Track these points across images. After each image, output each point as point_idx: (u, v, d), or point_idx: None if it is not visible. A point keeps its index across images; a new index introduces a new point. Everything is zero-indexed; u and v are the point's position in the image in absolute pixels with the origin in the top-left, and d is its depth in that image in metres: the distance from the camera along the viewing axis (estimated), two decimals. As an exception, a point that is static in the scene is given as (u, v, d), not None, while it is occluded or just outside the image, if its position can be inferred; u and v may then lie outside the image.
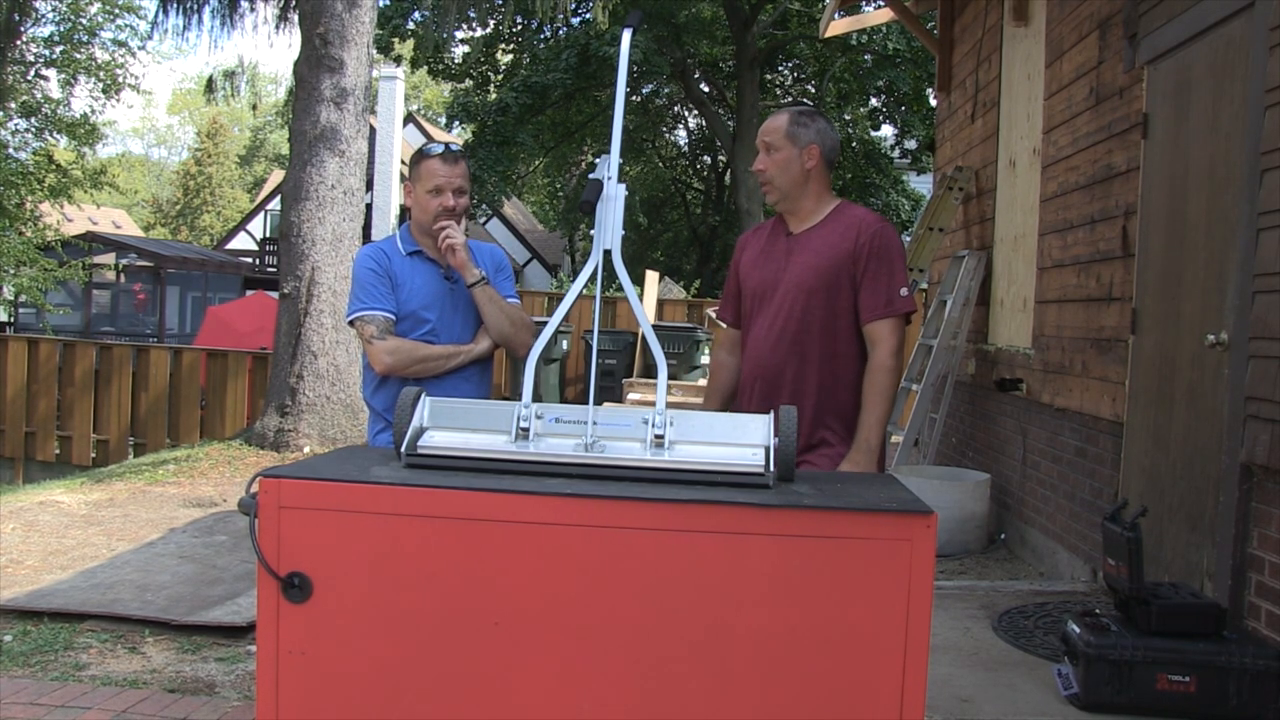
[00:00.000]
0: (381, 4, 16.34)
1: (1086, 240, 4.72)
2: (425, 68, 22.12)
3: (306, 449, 8.14)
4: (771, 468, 1.70)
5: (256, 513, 1.62)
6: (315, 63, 8.37)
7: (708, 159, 27.84)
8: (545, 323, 2.13)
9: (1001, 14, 6.25)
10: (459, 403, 1.88)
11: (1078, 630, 3.10)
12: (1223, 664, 2.91)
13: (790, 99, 23.46)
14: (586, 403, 1.82)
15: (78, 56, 15.89)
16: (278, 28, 11.94)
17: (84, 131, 15.94)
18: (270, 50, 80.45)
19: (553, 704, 1.59)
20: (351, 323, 2.85)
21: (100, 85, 16.16)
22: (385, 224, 25.76)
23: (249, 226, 32.61)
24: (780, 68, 23.50)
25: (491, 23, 20.86)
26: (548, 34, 20.67)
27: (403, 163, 27.73)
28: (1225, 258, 3.42)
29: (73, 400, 10.59)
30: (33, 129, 15.93)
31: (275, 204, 28.82)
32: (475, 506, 1.60)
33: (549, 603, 1.59)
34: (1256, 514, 3.13)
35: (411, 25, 19.37)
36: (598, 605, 1.59)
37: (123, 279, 20.39)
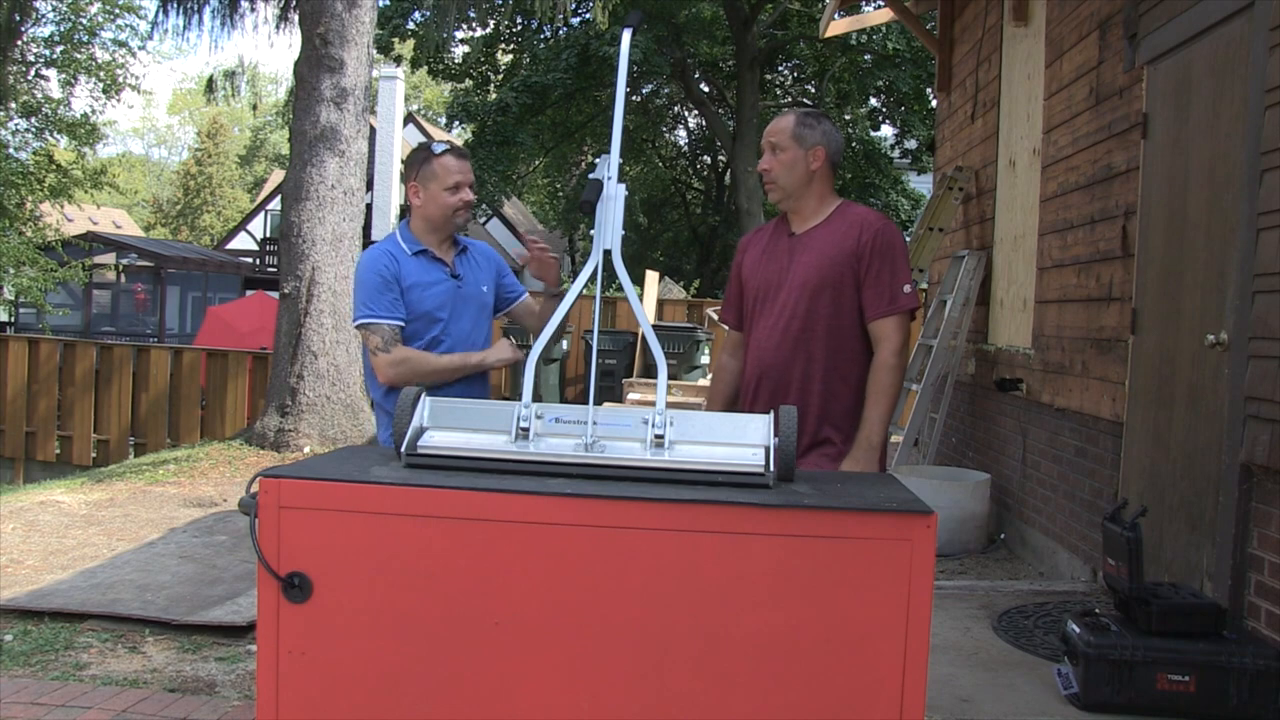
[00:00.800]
0: (381, 4, 16.34)
1: (1086, 240, 4.72)
2: (425, 68, 22.12)
3: (306, 449, 8.14)
4: (772, 468, 1.70)
5: (256, 513, 1.62)
6: (315, 63, 8.37)
7: (708, 159, 27.85)
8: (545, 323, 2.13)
9: (1001, 14, 6.25)
10: (459, 403, 1.88)
11: (1078, 630, 3.10)
12: (1223, 664, 2.91)
13: (790, 99, 23.48)
14: (586, 403, 1.82)
15: (78, 56, 15.89)
16: (278, 28, 11.94)
17: (84, 131, 15.94)
18: (270, 50, 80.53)
19: (553, 704, 1.59)
20: (360, 327, 2.83)
21: (100, 85, 16.16)
22: (385, 224, 25.78)
23: (249, 226, 32.61)
24: (780, 68, 23.51)
25: (491, 23, 20.87)
26: (548, 34, 20.67)
27: (404, 164, 27.80)
28: (1225, 258, 3.42)
29: (73, 400, 10.59)
30: (33, 129, 15.93)
31: (275, 204, 28.82)
32: (475, 506, 1.60)
33: (549, 603, 1.59)
34: (1256, 514, 3.14)
35: (411, 25, 19.37)
36: (598, 605, 1.59)
37: (123, 279, 20.39)
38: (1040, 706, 3.11)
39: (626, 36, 2.12)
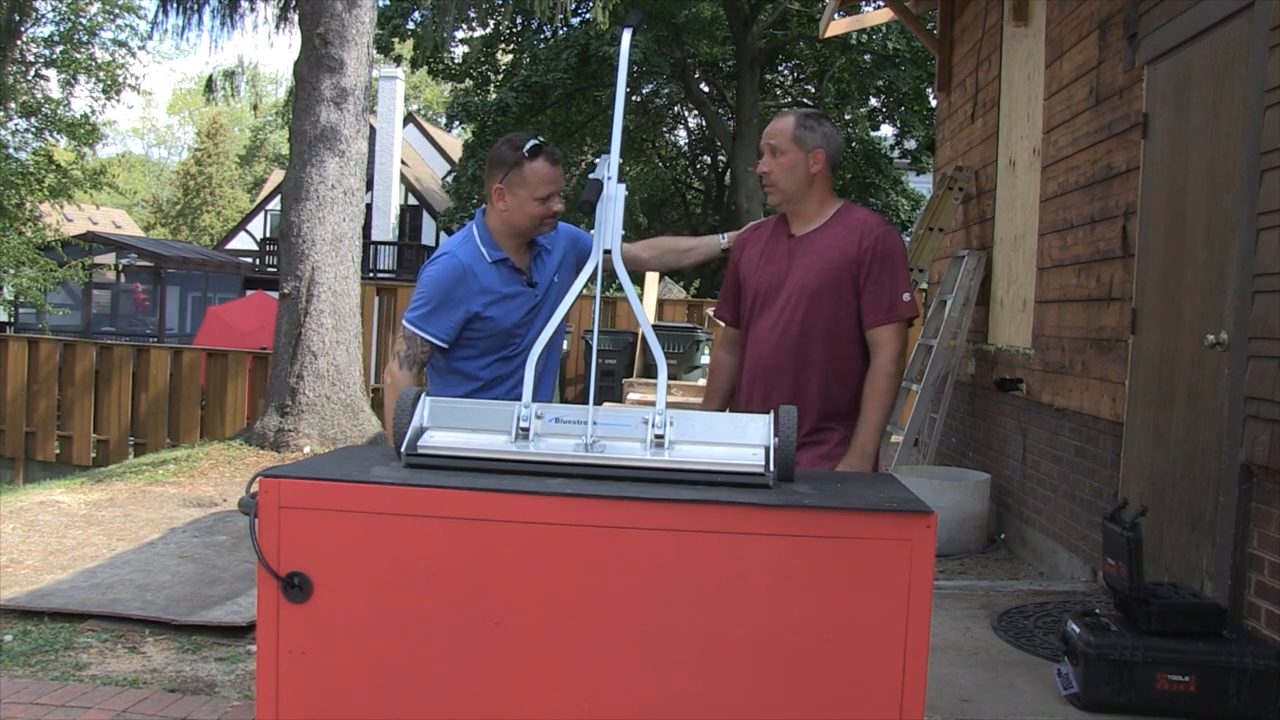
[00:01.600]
0: (381, 4, 16.34)
1: (1086, 240, 4.72)
2: (425, 68, 22.14)
3: (306, 449, 8.14)
4: (771, 468, 1.70)
5: (256, 513, 1.62)
6: (315, 63, 8.37)
7: (708, 159, 27.85)
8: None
9: (1001, 14, 6.25)
10: (459, 403, 1.88)
11: (1078, 630, 3.10)
12: (1223, 664, 2.91)
13: (790, 99, 23.48)
14: (586, 403, 1.82)
15: (78, 56, 15.88)
16: (278, 28, 11.94)
17: (84, 131, 15.93)
18: (270, 50, 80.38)
19: (553, 704, 1.59)
20: (404, 326, 2.69)
21: (100, 85, 16.15)
22: (385, 224, 25.84)
23: (249, 226, 32.62)
24: (780, 68, 23.51)
25: (491, 23, 20.88)
26: (548, 34, 20.68)
27: (404, 163, 27.77)
28: (1225, 258, 3.42)
29: (73, 400, 10.59)
30: (33, 129, 15.93)
31: (275, 204, 28.82)
32: (475, 506, 1.60)
33: (549, 603, 1.59)
34: (1256, 514, 3.14)
35: (411, 25, 19.38)
36: (597, 605, 1.59)
37: (123, 279, 20.39)
38: (1040, 706, 3.11)
39: (626, 36, 2.12)
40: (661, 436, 1.74)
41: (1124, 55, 4.34)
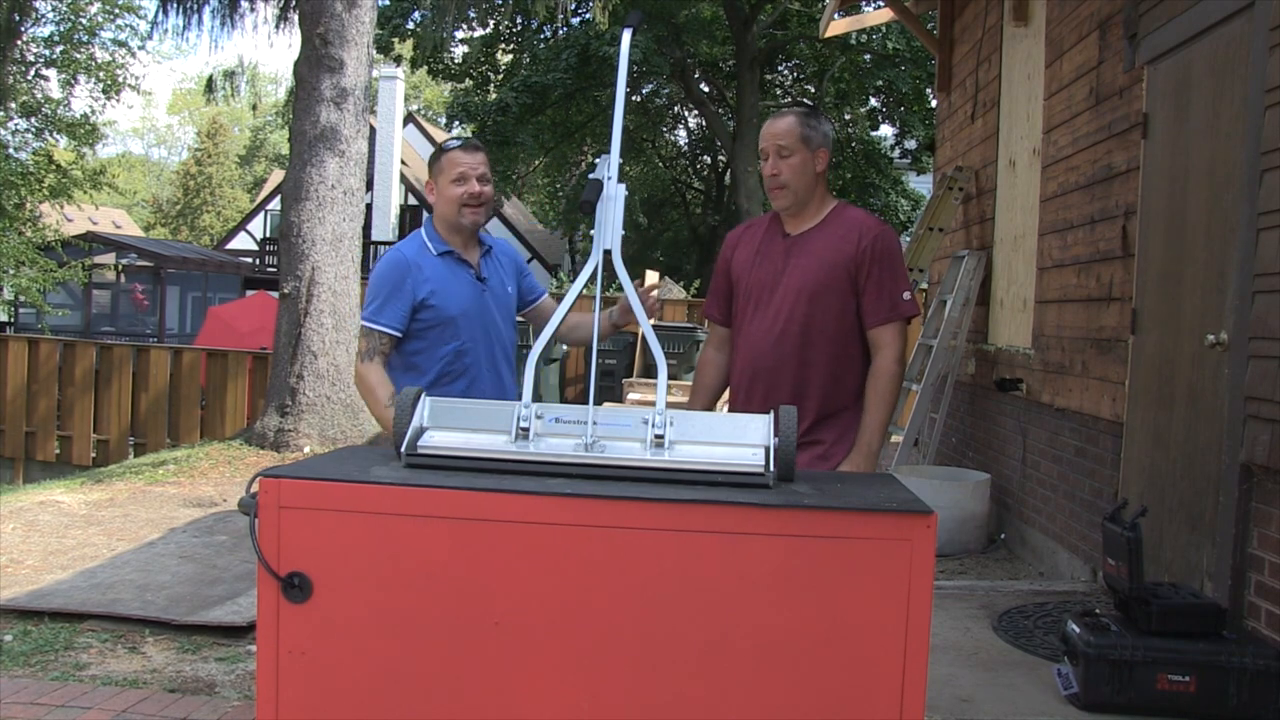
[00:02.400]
0: (381, 4, 16.33)
1: (1086, 240, 4.72)
2: (425, 68, 22.12)
3: (306, 449, 8.14)
4: (772, 468, 1.70)
5: (256, 513, 1.62)
6: (315, 63, 8.37)
7: (708, 159, 27.85)
8: (546, 323, 2.13)
9: (1001, 14, 6.25)
10: (459, 402, 1.88)
11: (1078, 630, 3.10)
12: (1223, 664, 2.91)
13: (790, 99, 23.47)
14: (586, 403, 1.82)
15: (78, 56, 15.87)
16: (278, 28, 11.95)
17: (84, 131, 15.92)
18: (270, 50, 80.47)
19: (553, 704, 1.59)
20: (364, 326, 2.80)
21: (100, 85, 16.14)
22: (385, 224, 25.83)
23: (249, 226, 32.61)
24: (780, 68, 23.51)
25: (491, 23, 20.87)
26: (548, 34, 20.68)
27: (404, 163, 27.79)
28: (1225, 258, 3.42)
29: (73, 400, 10.58)
30: (33, 129, 15.92)
31: (275, 204, 28.82)
32: (475, 506, 1.60)
33: (549, 603, 1.59)
34: (1256, 514, 3.14)
35: (411, 25, 19.37)
36: (597, 605, 1.59)
37: (123, 279, 20.37)
38: (1040, 706, 3.11)
39: (626, 36, 2.12)
40: (661, 436, 1.74)
41: (1124, 55, 4.34)
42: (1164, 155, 3.99)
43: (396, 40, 19.85)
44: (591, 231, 1.99)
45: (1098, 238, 4.59)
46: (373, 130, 20.69)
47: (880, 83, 19.74)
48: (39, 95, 15.85)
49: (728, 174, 24.61)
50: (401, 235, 29.33)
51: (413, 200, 28.57)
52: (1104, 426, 4.43)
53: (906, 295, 2.63)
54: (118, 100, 17.34)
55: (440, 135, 32.43)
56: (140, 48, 19.11)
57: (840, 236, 2.64)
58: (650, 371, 10.76)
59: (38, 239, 15.28)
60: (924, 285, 7.73)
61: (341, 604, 1.61)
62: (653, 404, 1.80)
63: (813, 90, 22.40)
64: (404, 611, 1.61)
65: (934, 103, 11.22)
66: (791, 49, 21.61)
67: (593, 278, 1.97)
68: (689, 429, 1.77)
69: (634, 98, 22.49)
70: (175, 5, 11.68)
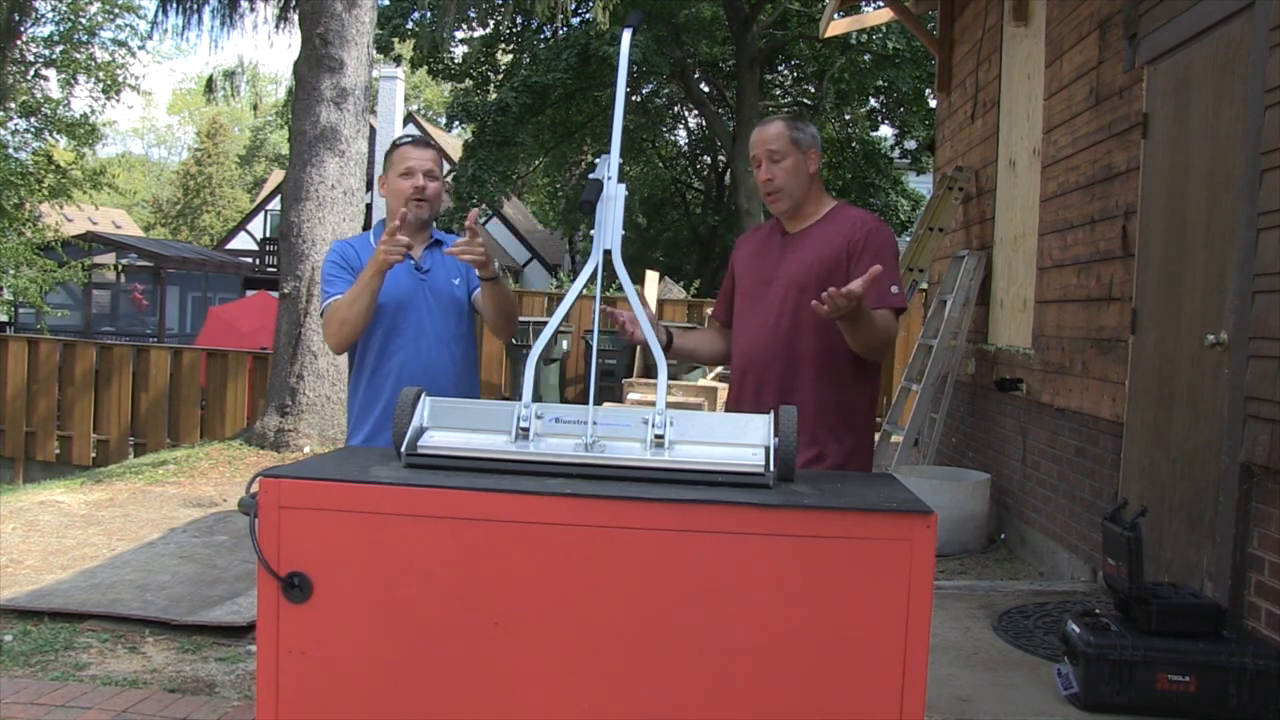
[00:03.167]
0: (381, 4, 16.33)
1: (1086, 240, 4.72)
2: (425, 68, 22.12)
3: (306, 449, 8.14)
4: (771, 468, 1.70)
5: (256, 513, 1.62)
6: (315, 63, 8.36)
7: (708, 159, 27.85)
8: (545, 323, 2.13)
9: (1001, 14, 6.25)
10: (459, 403, 1.88)
11: (1078, 630, 3.10)
12: (1223, 664, 2.91)
13: (790, 99, 23.49)
14: (586, 403, 1.82)
15: (77, 56, 15.86)
16: (278, 28, 11.94)
17: (84, 131, 15.91)
18: (270, 50, 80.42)
19: (553, 704, 1.59)
20: (322, 312, 2.83)
21: (100, 85, 16.13)
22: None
23: (249, 226, 32.61)
24: (780, 68, 23.50)
25: (491, 23, 20.87)
26: (548, 34, 20.67)
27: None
28: (1225, 258, 3.42)
29: (73, 400, 10.58)
30: (32, 129, 15.91)
31: (275, 204, 28.82)
32: (475, 506, 1.60)
33: (549, 603, 1.59)
34: (1256, 514, 3.14)
35: (411, 25, 19.37)
36: (597, 605, 1.59)
37: (123, 279, 20.37)
38: (1040, 706, 3.11)
39: (626, 36, 2.12)
40: (661, 436, 1.74)
41: (1124, 55, 4.34)
42: (1164, 155, 3.99)
43: (396, 40, 19.84)
44: (591, 231, 1.99)
45: (1098, 238, 4.59)
46: (373, 130, 20.67)
47: (880, 83, 19.73)
48: (39, 95, 15.84)
49: (728, 174, 24.61)
50: (401, 235, 29.21)
51: (413, 200, 28.54)
52: (1104, 426, 4.43)
53: (895, 289, 2.62)
54: (117, 100, 17.33)
55: (440, 135, 32.47)
56: (140, 48, 19.10)
57: (835, 231, 2.66)
58: (650, 371, 10.76)
59: (37, 239, 15.27)
60: (924, 285, 7.73)
61: (341, 604, 1.61)
62: (653, 404, 1.80)
63: (813, 90, 22.40)
64: (404, 611, 1.61)
65: (934, 103, 11.22)
66: (791, 49, 21.60)
67: (593, 278, 1.97)
68: (689, 429, 1.77)
69: (634, 98, 22.49)
70: (175, 5, 11.68)
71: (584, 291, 2.12)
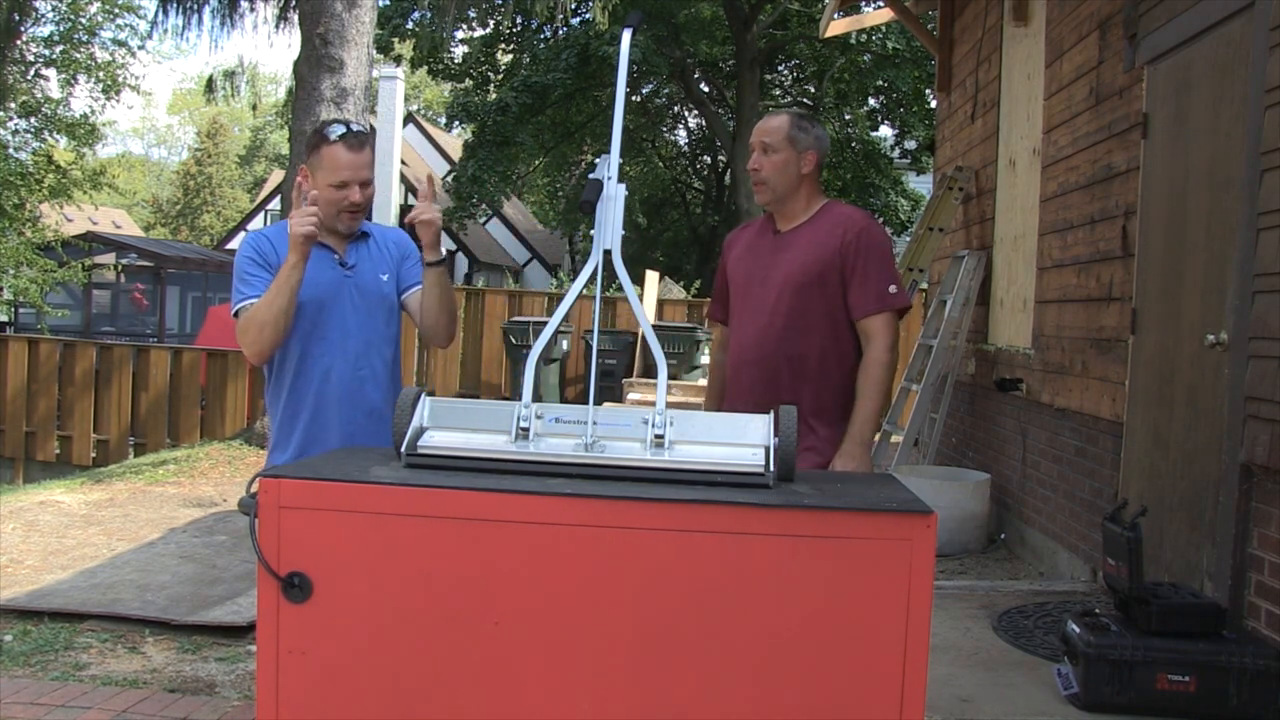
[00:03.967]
0: (381, 4, 16.32)
1: (1086, 240, 4.72)
2: (425, 68, 22.11)
3: (306, 449, 8.12)
4: (771, 467, 1.70)
5: (256, 513, 1.62)
6: (315, 63, 8.37)
7: (708, 159, 27.84)
8: (545, 323, 2.13)
9: (1001, 14, 6.25)
10: (459, 403, 1.88)
11: (1078, 630, 3.10)
12: (1223, 664, 2.91)
13: (790, 99, 23.48)
14: (586, 403, 1.82)
15: (77, 56, 15.86)
16: (278, 28, 11.94)
17: (84, 131, 15.90)
18: (270, 50, 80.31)
19: (553, 704, 1.59)
20: (235, 315, 2.52)
21: (100, 85, 16.12)
22: (385, 224, 25.76)
23: (249, 226, 32.62)
24: (780, 68, 23.50)
25: (491, 23, 20.86)
26: (548, 34, 20.67)
27: (404, 163, 27.77)
28: (1225, 258, 3.42)
29: (73, 400, 10.58)
30: (32, 129, 15.90)
31: (275, 204, 28.83)
32: (475, 506, 1.60)
33: (549, 603, 1.59)
34: (1256, 514, 3.13)
35: (411, 25, 19.36)
36: (598, 605, 1.59)
37: (123, 279, 20.36)
38: (1040, 706, 3.11)
39: (626, 37, 2.12)
40: (661, 436, 1.74)
41: (1124, 55, 4.34)
42: (1164, 155, 3.99)
43: (396, 40, 19.83)
44: (591, 231, 1.99)
45: (1098, 238, 4.59)
46: (373, 130, 20.67)
47: (880, 83, 19.72)
48: (39, 95, 15.84)
49: (728, 174, 24.60)
50: (401, 235, 29.22)
51: (413, 200, 28.59)
52: (1104, 426, 4.43)
53: (893, 288, 2.63)
54: (118, 100, 17.32)
55: (440, 135, 32.49)
56: (140, 48, 19.09)
57: (827, 230, 2.67)
58: (650, 371, 10.76)
59: (37, 239, 15.27)
60: (924, 285, 7.73)
61: (341, 604, 1.61)
62: (653, 404, 1.80)
63: (813, 90, 22.39)
64: (404, 611, 1.61)
65: (934, 103, 11.22)
66: (791, 49, 21.60)
67: (593, 278, 1.97)
68: (689, 429, 1.77)
69: (634, 98, 22.48)
70: (175, 5, 11.68)
71: (584, 291, 2.12)
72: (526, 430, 1.77)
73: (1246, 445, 3.10)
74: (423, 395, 1.84)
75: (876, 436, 6.72)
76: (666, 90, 23.69)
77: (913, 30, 8.86)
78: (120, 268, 19.93)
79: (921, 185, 22.25)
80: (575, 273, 18.09)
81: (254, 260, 2.52)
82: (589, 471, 1.70)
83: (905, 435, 6.22)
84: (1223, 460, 3.32)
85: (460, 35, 21.43)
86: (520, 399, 1.80)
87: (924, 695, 1.56)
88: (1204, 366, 3.55)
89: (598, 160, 2.04)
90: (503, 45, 22.07)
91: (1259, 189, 3.10)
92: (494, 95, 20.91)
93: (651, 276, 11.79)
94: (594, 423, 1.77)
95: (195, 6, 11.73)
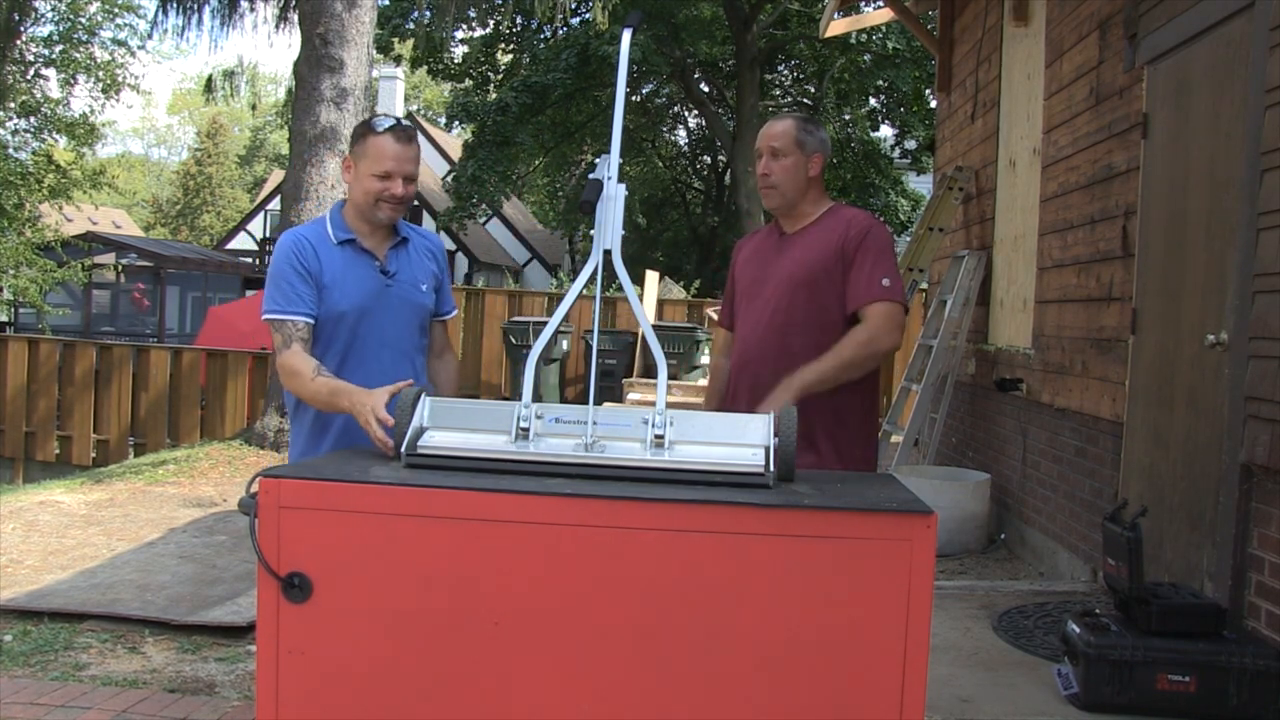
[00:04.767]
0: (381, 4, 16.33)
1: (1086, 240, 4.72)
2: (425, 68, 22.12)
3: (306, 449, 8.13)
4: (771, 468, 1.70)
5: (256, 513, 1.62)
6: (315, 63, 8.37)
7: (708, 159, 27.85)
8: (545, 323, 2.13)
9: (1001, 14, 6.25)
10: (459, 403, 1.88)
11: (1078, 630, 3.10)
12: (1223, 664, 2.91)
13: (790, 99, 23.49)
14: (586, 403, 1.82)
15: (77, 56, 15.86)
16: (278, 28, 11.95)
17: (83, 131, 15.91)
18: (270, 50, 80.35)
19: (553, 704, 1.59)
20: (266, 320, 2.46)
21: (100, 85, 16.12)
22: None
23: (249, 226, 32.61)
24: (780, 68, 23.51)
25: (491, 23, 20.87)
26: (547, 34, 20.67)
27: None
28: (1225, 258, 3.42)
29: (73, 400, 10.58)
30: (32, 129, 15.91)
31: (275, 204, 28.81)
32: (475, 506, 1.60)
33: (549, 603, 1.59)
34: (1256, 514, 3.13)
35: (411, 25, 19.37)
36: (597, 605, 1.59)
37: (123, 279, 20.36)
38: (1040, 706, 3.11)
39: (627, 37, 2.12)
40: (661, 436, 1.74)
41: (1124, 55, 4.34)
42: (1164, 155, 3.99)
43: (396, 40, 19.84)
44: (591, 231, 1.99)
45: (1098, 238, 4.59)
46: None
47: (880, 83, 19.73)
48: (38, 95, 15.84)
49: (728, 174, 24.61)
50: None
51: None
52: (1104, 426, 4.43)
53: (886, 281, 2.59)
54: (117, 100, 17.32)
55: (440, 135, 32.51)
56: (140, 47, 19.13)
57: (830, 230, 2.68)
58: (650, 371, 10.76)
59: (37, 239, 15.28)
60: (924, 285, 7.73)
61: (341, 604, 1.61)
62: (653, 404, 1.80)
63: (813, 90, 22.39)
64: (404, 611, 1.61)
65: (934, 103, 11.22)
66: (791, 49, 21.60)
67: (592, 278, 1.97)
68: (689, 429, 1.77)
69: (634, 98, 22.49)
70: (175, 5, 11.68)
71: (584, 291, 2.13)
72: (526, 430, 1.77)
73: (1246, 445, 3.10)
74: (423, 395, 1.84)
75: (894, 438, 6.73)
76: (666, 90, 23.70)
77: (913, 30, 8.86)
78: (120, 268, 19.94)
79: (921, 185, 22.25)
80: (575, 273, 18.09)
81: (294, 269, 2.44)
82: (589, 471, 1.70)
83: (905, 435, 6.22)
84: (1223, 460, 3.32)
85: (460, 35, 21.45)
86: (520, 399, 1.80)
87: (924, 695, 1.56)
88: (1204, 366, 3.55)
89: (598, 160, 2.04)
90: (503, 45, 22.08)
91: (1259, 189, 3.10)
92: (494, 95, 20.92)
93: (651, 276, 11.78)
94: (594, 423, 1.77)
95: (195, 6, 11.73)
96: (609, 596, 1.58)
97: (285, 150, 16.12)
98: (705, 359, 10.80)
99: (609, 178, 1.98)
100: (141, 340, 17.72)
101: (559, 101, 20.23)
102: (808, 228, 2.72)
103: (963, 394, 6.67)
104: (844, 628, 1.56)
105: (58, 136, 16.12)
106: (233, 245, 32.00)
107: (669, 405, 1.79)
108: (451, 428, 1.81)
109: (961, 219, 6.99)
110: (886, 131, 22.57)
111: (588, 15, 19.61)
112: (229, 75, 15.83)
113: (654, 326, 1.89)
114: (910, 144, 21.42)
